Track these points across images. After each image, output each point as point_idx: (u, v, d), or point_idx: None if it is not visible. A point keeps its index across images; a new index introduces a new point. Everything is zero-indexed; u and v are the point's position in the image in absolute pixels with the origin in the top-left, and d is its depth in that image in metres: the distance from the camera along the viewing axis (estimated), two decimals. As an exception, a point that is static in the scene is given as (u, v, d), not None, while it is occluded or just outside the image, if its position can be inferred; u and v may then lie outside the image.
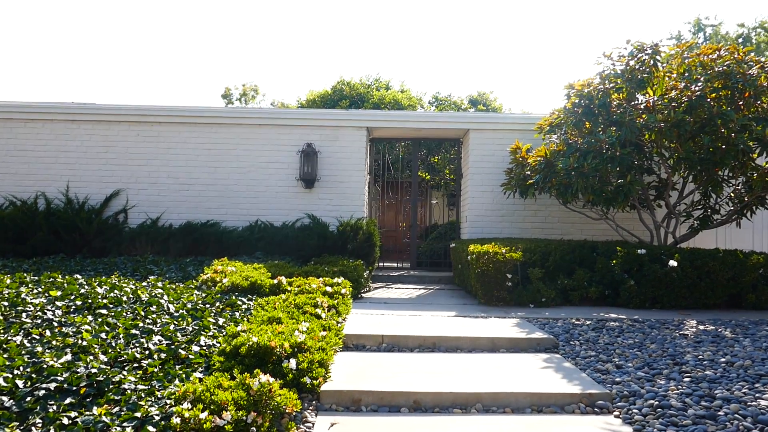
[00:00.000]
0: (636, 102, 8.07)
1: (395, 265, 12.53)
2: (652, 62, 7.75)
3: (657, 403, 4.03)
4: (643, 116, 7.73)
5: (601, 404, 4.18)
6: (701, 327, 6.38)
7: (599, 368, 4.87)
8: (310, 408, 4.22)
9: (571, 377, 4.66)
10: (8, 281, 6.61)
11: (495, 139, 10.82)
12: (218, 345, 4.75)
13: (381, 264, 12.01)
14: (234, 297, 6.23)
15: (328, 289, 6.55)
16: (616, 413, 4.07)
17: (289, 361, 4.24)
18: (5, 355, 4.27)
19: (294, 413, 3.97)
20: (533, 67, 53.95)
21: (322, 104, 20.45)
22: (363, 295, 8.78)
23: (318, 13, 50.03)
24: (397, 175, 14.36)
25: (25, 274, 7.11)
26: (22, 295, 5.87)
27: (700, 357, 5.07)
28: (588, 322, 6.56)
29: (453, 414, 4.20)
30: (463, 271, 9.29)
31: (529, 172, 9.05)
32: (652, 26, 49.13)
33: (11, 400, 3.66)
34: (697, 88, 7.41)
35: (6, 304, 5.58)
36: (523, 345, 5.69)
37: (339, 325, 5.63)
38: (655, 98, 7.86)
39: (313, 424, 3.99)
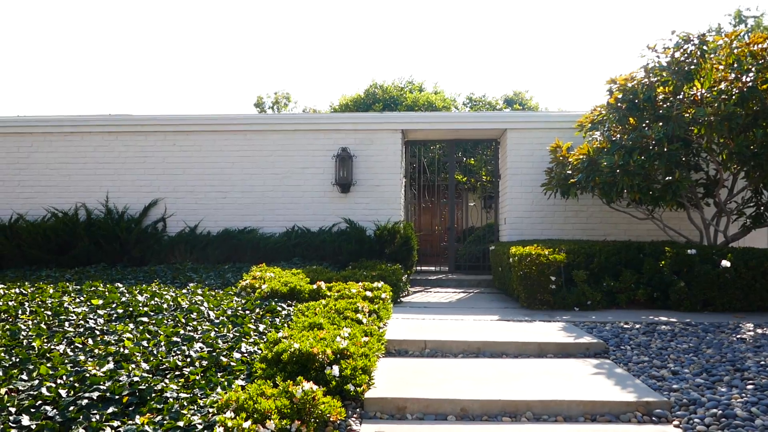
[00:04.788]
0: (683, 95, 7.78)
1: (433, 268, 12.36)
2: (699, 53, 7.46)
3: (720, 412, 3.80)
4: (691, 110, 7.45)
5: (659, 413, 3.97)
6: (759, 330, 6.07)
7: (654, 374, 4.64)
8: (354, 416, 4.10)
9: (625, 384, 4.45)
10: (51, 291, 6.66)
11: (533, 139, 10.60)
12: (259, 352, 4.67)
13: (418, 268, 11.86)
14: (273, 303, 6.16)
15: (368, 293, 6.44)
16: (676, 423, 3.85)
17: (331, 368, 4.13)
18: (48, 365, 4.25)
19: (338, 421, 3.86)
20: (569, 64, 53.21)
21: (355, 108, 20.41)
22: (402, 299, 8.64)
23: (348, 17, 50.21)
24: (433, 177, 14.19)
25: (67, 284, 7.16)
26: (65, 305, 5.90)
27: (762, 363, 4.79)
28: (638, 326, 6.30)
29: (502, 422, 4.03)
30: (503, 274, 9.09)
31: (570, 172, 8.81)
32: (690, 19, 48.04)
33: (54, 410, 3.63)
34: (748, 79, 7.09)
35: (49, 313, 5.60)
36: (571, 350, 5.48)
37: (381, 330, 5.51)
38: (704, 91, 7.56)
39: (358, 432, 3.87)
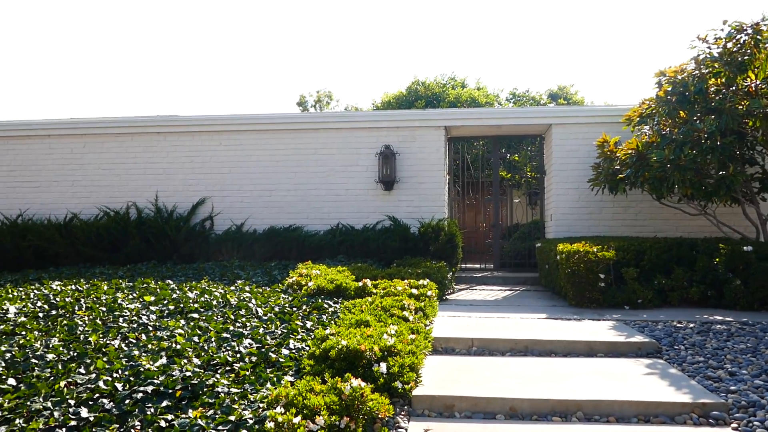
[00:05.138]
0: (736, 87, 7.52)
1: (478, 266, 12.28)
2: (752, 43, 7.21)
3: (782, 414, 3.68)
4: (745, 102, 7.21)
5: (716, 415, 3.85)
6: (821, 329, 5.84)
7: (710, 375, 4.51)
8: (402, 413, 4.10)
9: (680, 385, 4.33)
10: (105, 287, 6.85)
11: (579, 134, 10.41)
12: (307, 348, 4.71)
13: (463, 265, 11.79)
14: (320, 300, 6.20)
15: (414, 291, 6.43)
16: (734, 425, 3.74)
17: (379, 365, 4.14)
18: (104, 359, 4.37)
19: (386, 418, 3.86)
20: (615, 57, 52.15)
21: (397, 106, 20.40)
22: (447, 297, 8.61)
23: (390, 14, 50.21)
24: (477, 174, 14.10)
25: (120, 281, 7.35)
26: (119, 301, 6.06)
27: (826, 362, 4.62)
28: (691, 325, 6.14)
29: (552, 422, 3.98)
30: (550, 272, 8.96)
31: (618, 167, 8.62)
32: (741, 8, 46.47)
33: (111, 403, 3.73)
34: (806, 69, 6.83)
35: (104, 309, 5.76)
36: (622, 349, 5.37)
37: (427, 328, 5.49)
38: (758, 82, 7.31)
39: (406, 429, 3.87)
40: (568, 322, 6.48)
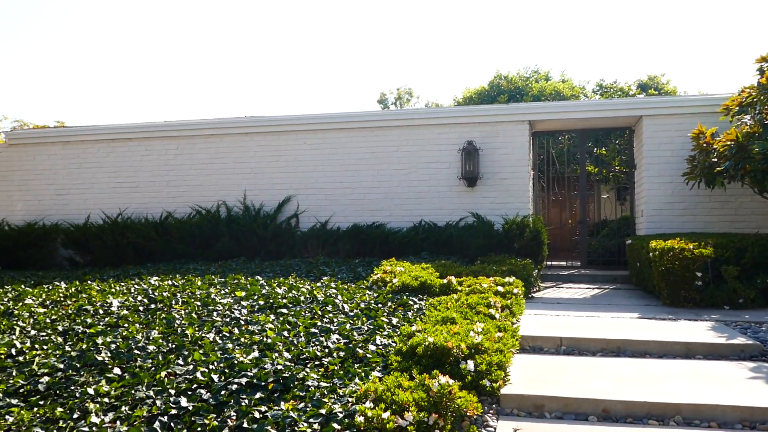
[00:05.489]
0: None
1: (564, 263, 11.97)
2: None
3: None
4: None
5: (832, 422, 3.59)
6: None
7: (824, 380, 4.21)
8: (491, 412, 4.06)
9: (790, 389, 4.07)
10: (199, 283, 7.14)
11: (672, 125, 9.95)
12: (394, 345, 4.74)
13: (548, 263, 11.53)
14: (405, 297, 6.23)
15: (500, 288, 6.35)
16: None
17: (466, 363, 4.11)
18: (201, 351, 4.56)
19: (474, 416, 3.84)
20: (709, 44, 49.49)
21: (479, 101, 20.17)
22: (533, 294, 8.44)
23: (469, 8, 49.70)
24: (562, 169, 13.75)
25: (212, 277, 7.65)
26: (212, 296, 6.30)
27: None
28: (800, 326, 5.75)
29: (648, 425, 3.83)
30: (642, 270, 8.62)
31: (715, 159, 8.17)
32: None
33: (208, 393, 3.88)
34: None
35: (199, 303, 6.01)
36: (723, 351, 5.10)
37: (514, 326, 5.40)
38: None
39: (495, 428, 3.83)
40: (662, 322, 6.21)
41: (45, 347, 4.92)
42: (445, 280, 6.69)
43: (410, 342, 4.39)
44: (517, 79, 20.33)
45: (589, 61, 45.19)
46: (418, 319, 5.43)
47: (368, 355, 4.51)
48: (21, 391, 4.16)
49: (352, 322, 5.35)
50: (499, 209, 10.40)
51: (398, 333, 5.02)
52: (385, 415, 3.37)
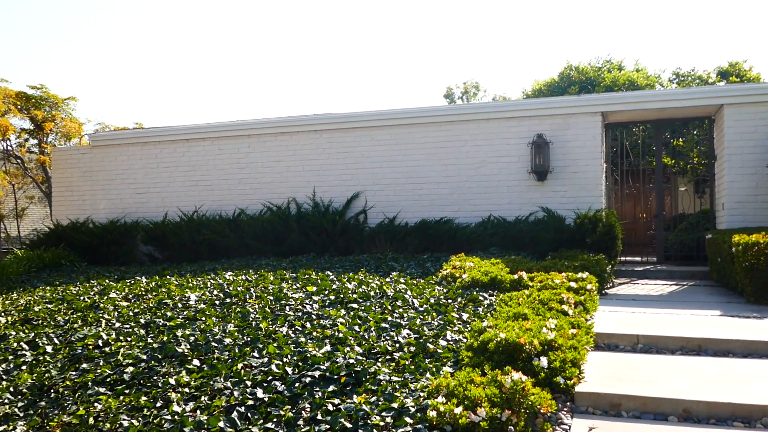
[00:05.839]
0: None
1: (638, 259, 11.59)
2: None
3: None
4: None
5: None
6: None
7: None
8: (565, 409, 3.99)
9: None
10: (271, 278, 7.31)
11: (756, 114, 9.46)
12: (464, 340, 4.72)
13: (622, 258, 11.18)
14: (475, 292, 6.18)
15: (573, 284, 6.21)
16: None
17: (539, 359, 4.05)
18: (275, 344, 4.67)
19: (548, 414, 3.78)
20: (793, 29, 46.69)
21: (549, 93, 19.74)
22: (607, 291, 8.22)
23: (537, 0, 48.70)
24: (637, 161, 13.30)
25: (284, 272, 7.81)
26: (284, 291, 6.44)
27: None
28: None
29: (733, 428, 3.68)
30: (723, 266, 8.25)
31: (805, 149, 7.72)
32: None
33: (283, 385, 3.97)
34: None
35: (271, 298, 6.15)
36: (815, 351, 4.82)
37: (588, 322, 5.28)
38: None
39: (570, 426, 3.76)
40: (746, 320, 5.93)
41: (129, 339, 5.16)
42: (515, 276, 6.61)
43: (481, 338, 4.36)
44: (589, 70, 19.78)
45: (665, 48, 43.51)
46: (488, 314, 5.39)
47: (439, 351, 4.51)
48: (108, 380, 4.38)
49: (422, 317, 5.36)
50: (571, 203, 10.16)
51: (469, 329, 4.99)
52: (458, 410, 3.36)
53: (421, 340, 4.69)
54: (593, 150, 10.15)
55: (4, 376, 4.72)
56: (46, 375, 4.58)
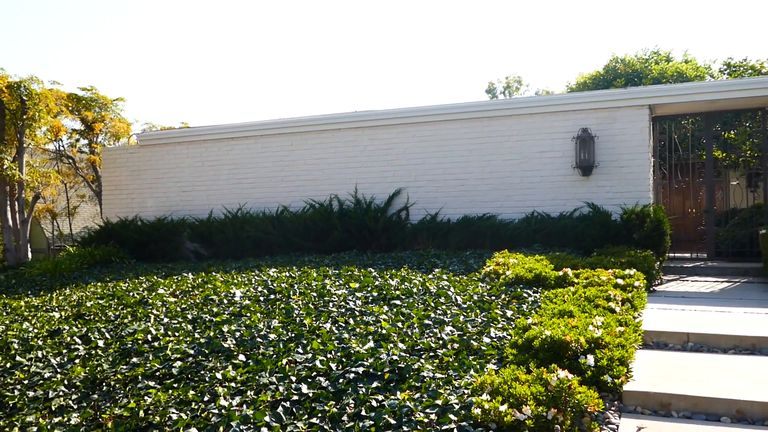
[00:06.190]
0: None
1: (687, 255, 11.29)
2: None
3: None
4: None
5: None
6: None
7: None
8: (612, 409, 3.92)
9: None
10: (314, 275, 7.37)
11: (813, 105, 9.10)
12: (508, 337, 4.68)
13: (670, 254, 10.90)
14: (519, 289, 6.11)
15: (620, 281, 6.08)
16: None
17: (586, 357, 3.98)
18: (319, 340, 4.71)
19: (595, 413, 3.71)
20: None
21: (594, 86, 19.35)
22: (655, 288, 8.02)
23: (581, -7, 47.82)
24: (686, 155, 12.95)
25: (327, 269, 7.86)
26: (327, 287, 6.48)
27: None
28: None
29: (791, 429, 3.54)
30: (778, 261, 7.97)
31: None
32: None
33: (327, 381, 4.00)
34: None
35: (315, 294, 6.20)
36: None
37: (636, 320, 5.17)
38: None
39: (617, 426, 3.69)
40: (804, 319, 5.72)
41: (176, 334, 5.27)
42: (560, 273, 6.51)
43: (526, 335, 4.31)
44: (635, 62, 19.32)
45: (715, 39, 42.24)
46: (533, 311, 5.32)
47: (483, 348, 4.48)
48: (157, 374, 4.48)
49: (465, 314, 5.32)
50: (617, 198, 9.95)
51: (513, 326, 4.94)
52: (503, 408, 3.33)
53: (465, 337, 4.66)
54: (640, 144, 9.91)
55: (58, 370, 4.88)
56: (98, 369, 4.72)
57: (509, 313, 5.31)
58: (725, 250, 10.91)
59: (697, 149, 13.37)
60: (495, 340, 4.66)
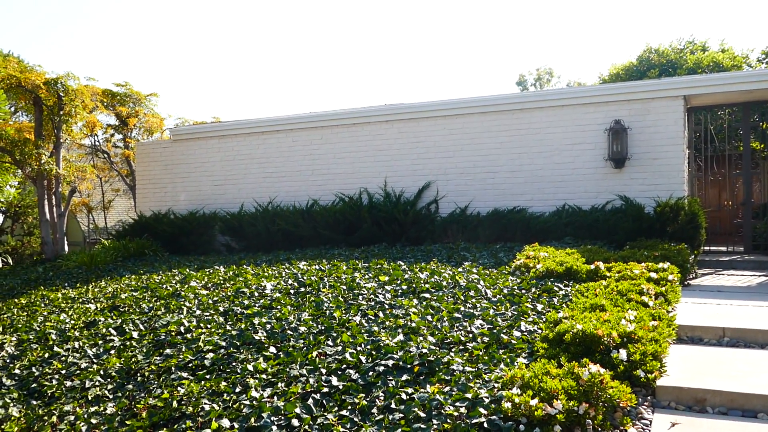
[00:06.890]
0: None
1: (723, 248, 11.06)
2: None
3: None
4: None
5: None
6: None
7: None
8: (645, 404, 3.86)
9: None
10: (344, 268, 7.40)
11: None
12: (539, 331, 4.64)
13: (706, 248, 10.69)
14: (550, 283, 6.06)
15: (653, 275, 5.98)
16: None
17: (618, 352, 3.93)
18: (348, 333, 4.73)
19: (628, 408, 3.67)
20: None
21: (627, 77, 19.01)
22: (690, 282, 7.88)
23: (614, -18, 46.98)
24: (722, 146, 12.66)
25: (356, 262, 7.89)
26: (357, 280, 6.51)
27: None
28: None
29: (831, 427, 3.45)
30: (818, 255, 7.75)
31: None
32: None
33: (356, 373, 4.02)
34: None
35: (344, 287, 6.23)
36: None
37: (669, 314, 5.09)
38: None
39: (650, 422, 3.64)
40: None
41: (209, 326, 5.35)
42: (592, 266, 6.43)
43: (557, 329, 4.28)
44: (670, 52, 18.93)
45: (753, 27, 41.14)
46: (564, 305, 5.27)
47: (513, 341, 4.45)
48: (190, 365, 4.56)
49: (495, 307, 5.30)
50: (650, 191, 9.78)
51: (544, 319, 4.90)
52: (533, 402, 3.31)
53: (495, 331, 4.64)
54: (675, 135, 9.72)
55: (94, 360, 4.99)
56: (133, 359, 4.82)
57: (540, 307, 5.27)
58: (763, 244, 10.67)
59: (733, 140, 13.06)
60: (525, 333, 4.63)
